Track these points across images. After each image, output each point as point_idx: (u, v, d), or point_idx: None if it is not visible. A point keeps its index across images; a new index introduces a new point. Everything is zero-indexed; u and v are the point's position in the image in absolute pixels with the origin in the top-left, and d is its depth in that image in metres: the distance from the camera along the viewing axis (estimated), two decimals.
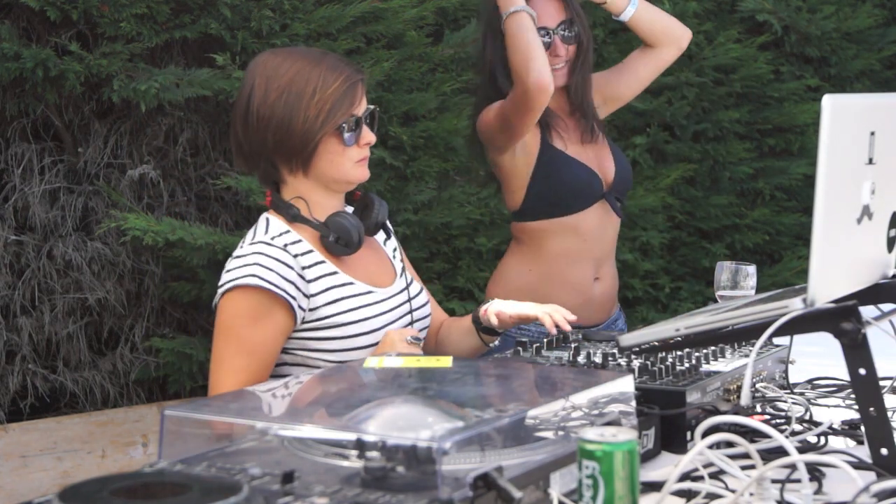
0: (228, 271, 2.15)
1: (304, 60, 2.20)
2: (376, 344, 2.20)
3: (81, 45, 3.61)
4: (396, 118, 4.10)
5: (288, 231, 2.21)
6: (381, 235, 2.37)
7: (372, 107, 2.26)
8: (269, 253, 2.14)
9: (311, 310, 2.15)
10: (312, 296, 2.15)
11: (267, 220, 2.24)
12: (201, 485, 1.35)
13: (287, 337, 2.16)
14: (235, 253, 2.19)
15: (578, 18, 2.92)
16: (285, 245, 2.17)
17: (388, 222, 2.36)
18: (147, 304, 3.84)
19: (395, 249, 2.41)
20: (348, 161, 2.22)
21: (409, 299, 2.31)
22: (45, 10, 3.52)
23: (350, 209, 2.33)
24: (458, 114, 4.17)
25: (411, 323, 2.29)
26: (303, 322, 2.15)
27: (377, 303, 2.23)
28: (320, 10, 3.92)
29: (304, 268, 2.16)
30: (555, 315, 2.21)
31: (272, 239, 2.18)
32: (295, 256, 2.16)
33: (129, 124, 3.82)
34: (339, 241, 2.21)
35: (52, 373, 3.77)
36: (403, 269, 2.38)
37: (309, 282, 2.16)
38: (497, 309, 2.27)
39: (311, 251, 2.20)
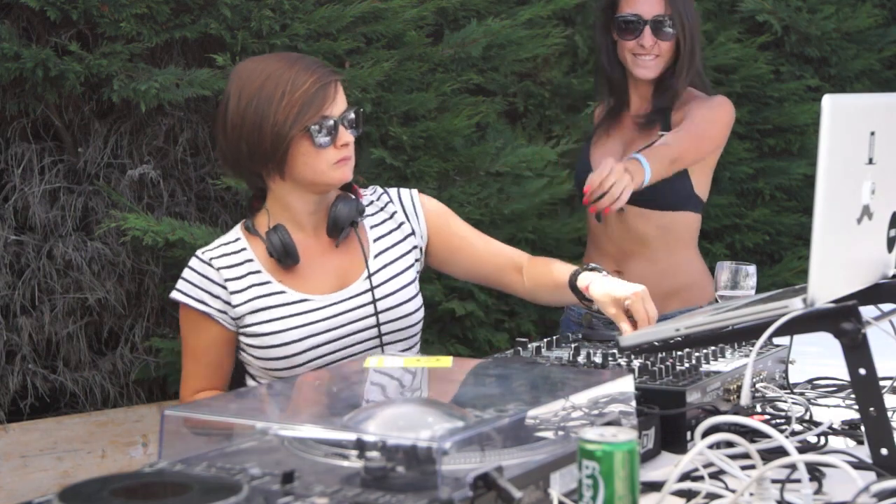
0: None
1: (276, 65, 2.21)
2: (320, 353, 2.23)
3: (81, 45, 3.60)
4: (396, 118, 4.10)
5: (238, 239, 2.30)
6: (377, 230, 2.36)
7: (353, 108, 2.25)
8: (195, 267, 2.27)
9: (236, 318, 2.24)
10: (236, 305, 2.24)
11: (238, 227, 2.35)
12: (201, 485, 1.35)
13: (233, 343, 2.27)
14: (194, 257, 2.31)
15: (680, 19, 2.94)
16: (211, 259, 2.26)
17: (362, 211, 2.32)
18: (147, 304, 3.84)
19: (378, 241, 2.38)
20: (323, 163, 2.21)
21: (374, 301, 2.28)
22: (45, 10, 3.52)
23: None
24: (458, 114, 4.17)
25: (378, 325, 2.27)
26: (237, 330, 2.25)
27: (311, 311, 2.24)
28: (320, 10, 3.92)
29: (228, 280, 2.25)
30: (639, 310, 2.12)
31: (212, 249, 2.28)
32: (219, 269, 2.25)
33: (129, 124, 3.82)
34: (272, 256, 2.25)
35: (52, 373, 3.77)
36: (383, 267, 2.34)
37: (234, 292, 2.24)
38: (586, 283, 2.26)
39: (251, 260, 2.28)
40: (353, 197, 2.32)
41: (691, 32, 2.98)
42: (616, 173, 2.60)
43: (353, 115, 2.25)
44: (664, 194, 2.98)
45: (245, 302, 2.24)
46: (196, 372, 2.27)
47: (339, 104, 2.23)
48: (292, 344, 2.22)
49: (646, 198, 2.92)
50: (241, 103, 2.19)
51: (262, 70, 2.21)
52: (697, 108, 3.01)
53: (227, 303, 2.24)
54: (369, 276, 2.30)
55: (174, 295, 2.27)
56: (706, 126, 3.00)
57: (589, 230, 3.18)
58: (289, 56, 2.27)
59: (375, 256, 2.35)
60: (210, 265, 2.25)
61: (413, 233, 2.41)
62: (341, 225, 2.28)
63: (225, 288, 2.24)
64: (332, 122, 2.20)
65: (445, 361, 1.84)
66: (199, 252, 2.29)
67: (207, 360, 2.27)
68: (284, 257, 2.24)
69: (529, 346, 2.20)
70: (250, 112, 2.18)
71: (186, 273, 2.27)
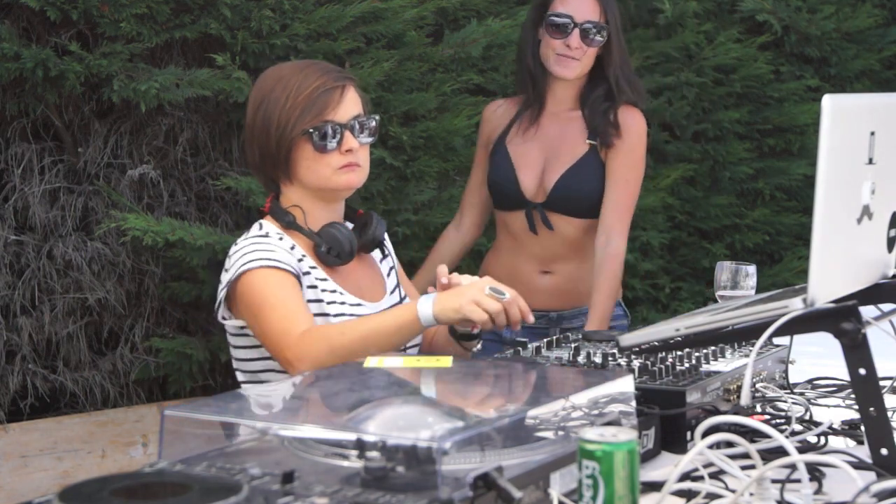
0: (233, 264, 2.18)
1: (290, 70, 2.26)
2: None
3: (81, 45, 3.60)
4: (396, 118, 4.10)
5: (282, 237, 2.24)
6: (377, 254, 2.40)
7: (370, 115, 2.26)
8: (268, 243, 2.20)
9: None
10: (303, 286, 2.20)
11: (261, 224, 2.28)
12: (201, 485, 1.35)
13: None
14: (233, 250, 2.23)
15: (612, 29, 2.97)
16: (275, 237, 2.23)
17: (386, 241, 2.38)
18: (147, 304, 3.84)
19: (391, 268, 2.42)
20: (327, 168, 2.22)
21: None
22: (45, 10, 3.52)
23: (350, 225, 2.35)
24: (458, 114, 4.17)
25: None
26: None
27: (364, 316, 2.22)
28: (320, 10, 3.92)
29: (298, 260, 2.22)
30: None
31: (265, 236, 2.23)
32: (291, 248, 2.22)
33: (129, 124, 3.82)
34: (330, 252, 2.23)
35: (52, 373, 3.77)
36: (396, 287, 2.39)
37: (304, 273, 2.21)
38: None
39: (304, 257, 2.24)
40: (378, 217, 2.36)
41: (618, 40, 3.00)
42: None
43: (365, 122, 2.25)
44: (589, 205, 3.00)
45: (309, 287, 2.20)
46: (294, 315, 2.09)
47: (346, 109, 2.23)
48: None
49: (570, 207, 3.00)
50: (255, 106, 2.24)
51: (276, 74, 2.26)
52: (621, 180, 3.00)
53: (298, 275, 2.18)
54: (395, 291, 2.36)
55: (257, 264, 2.12)
56: (635, 193, 3.04)
57: (507, 235, 3.11)
58: (304, 61, 2.32)
59: (388, 275, 2.41)
60: (281, 245, 2.20)
61: (392, 264, 2.45)
62: (378, 242, 2.33)
63: (300, 261, 2.20)
64: (334, 127, 2.20)
65: (445, 361, 1.84)
66: (251, 237, 2.21)
67: (297, 302, 2.13)
68: (346, 255, 2.24)
69: (529, 346, 2.20)
70: (260, 116, 2.23)
71: (258, 246, 2.16)
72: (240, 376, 2.30)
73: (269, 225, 2.27)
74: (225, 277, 2.20)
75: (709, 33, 4.89)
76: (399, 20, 4.07)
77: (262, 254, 2.17)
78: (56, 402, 3.83)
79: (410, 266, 4.24)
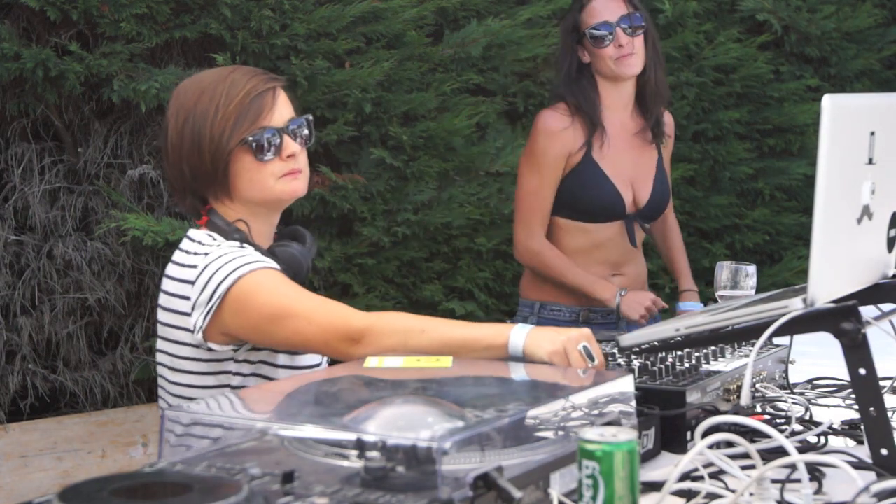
0: (211, 277, 1.97)
1: (211, 80, 2.07)
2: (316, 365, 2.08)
3: (81, 45, 3.61)
4: (396, 118, 4.10)
5: (244, 247, 2.06)
6: None
7: (303, 116, 2.11)
8: (244, 248, 2.03)
9: None
10: None
11: (212, 236, 2.07)
12: (201, 485, 1.35)
13: None
14: (212, 256, 2.00)
15: (644, 11, 3.09)
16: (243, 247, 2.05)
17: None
18: (147, 304, 3.84)
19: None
20: (269, 177, 2.05)
21: None
22: (45, 10, 3.53)
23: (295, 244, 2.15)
24: (458, 114, 4.17)
25: None
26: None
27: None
28: (320, 10, 3.92)
29: None
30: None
31: (239, 245, 2.04)
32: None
33: (129, 124, 3.82)
34: (286, 273, 2.04)
35: (52, 373, 3.77)
36: None
37: None
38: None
39: None
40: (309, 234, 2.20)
41: (648, 20, 3.10)
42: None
43: (301, 124, 2.10)
44: (662, 210, 3.21)
45: None
46: (332, 302, 1.98)
47: (280, 112, 2.07)
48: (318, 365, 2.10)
49: (657, 214, 3.17)
50: (178, 123, 2.05)
51: (197, 86, 2.07)
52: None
53: None
54: None
55: (257, 265, 1.96)
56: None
57: (584, 243, 3.13)
58: (225, 68, 2.13)
59: None
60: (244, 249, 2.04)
61: None
62: (312, 259, 2.17)
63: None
64: (272, 133, 2.05)
65: (445, 361, 1.83)
66: (215, 246, 2.03)
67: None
68: (305, 276, 2.09)
69: None
70: (188, 132, 2.04)
71: (233, 256, 1.99)
72: (173, 401, 2.12)
73: (219, 238, 2.06)
74: (205, 293, 1.97)
75: (709, 33, 4.89)
76: (399, 20, 4.08)
77: (248, 256, 2.00)
78: (56, 402, 3.83)
79: (411, 266, 4.24)
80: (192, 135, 2.04)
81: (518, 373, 1.86)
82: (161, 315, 2.09)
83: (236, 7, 3.76)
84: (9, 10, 3.62)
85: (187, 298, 2.01)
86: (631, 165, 3.12)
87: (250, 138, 2.03)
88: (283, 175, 2.07)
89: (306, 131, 2.11)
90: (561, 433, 1.56)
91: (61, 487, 1.33)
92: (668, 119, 3.24)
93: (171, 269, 2.09)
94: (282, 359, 2.06)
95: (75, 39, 3.62)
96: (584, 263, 3.11)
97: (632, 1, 3.07)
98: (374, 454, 1.40)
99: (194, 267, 2.01)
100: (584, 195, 3.08)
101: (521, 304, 3.24)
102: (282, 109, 2.08)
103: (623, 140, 3.12)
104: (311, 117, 2.13)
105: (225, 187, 2.06)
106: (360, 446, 1.41)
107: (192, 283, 2.00)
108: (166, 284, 2.08)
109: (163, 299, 2.09)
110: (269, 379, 2.05)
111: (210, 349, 2.02)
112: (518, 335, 1.88)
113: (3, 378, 3.67)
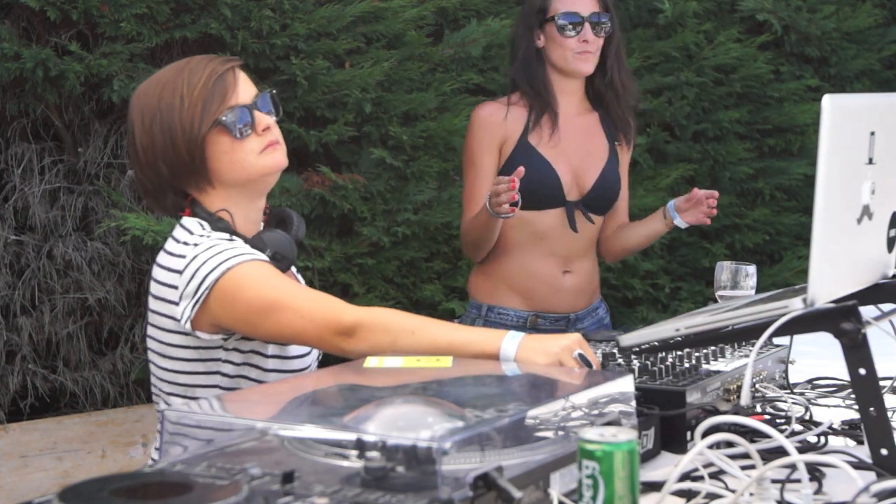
0: (199, 268, 1.97)
1: (168, 74, 2.07)
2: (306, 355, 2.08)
3: (81, 45, 3.61)
4: (396, 118, 4.10)
5: (233, 238, 2.05)
6: None
7: (266, 91, 2.10)
8: (233, 241, 2.03)
9: None
10: None
11: (201, 224, 2.06)
12: (201, 485, 1.35)
13: None
14: (202, 247, 2.00)
15: (614, 14, 3.05)
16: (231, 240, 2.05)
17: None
18: (147, 304, 3.84)
19: (297, 270, 2.29)
20: (249, 154, 2.05)
21: None
22: (45, 10, 3.53)
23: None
24: (458, 114, 4.17)
25: None
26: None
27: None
28: (320, 10, 3.92)
29: None
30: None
31: (225, 237, 2.04)
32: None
33: None
34: (275, 257, 2.05)
35: (52, 373, 3.77)
36: None
37: None
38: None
39: None
40: (297, 215, 2.19)
41: (616, 21, 3.06)
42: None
43: (265, 98, 2.09)
44: (613, 204, 3.12)
45: None
46: (324, 295, 1.98)
47: (245, 90, 2.07)
48: (311, 353, 2.10)
49: (601, 205, 3.07)
50: (145, 124, 2.04)
51: (156, 84, 2.06)
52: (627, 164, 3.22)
53: None
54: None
55: (245, 258, 1.96)
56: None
57: (527, 235, 3.05)
58: (179, 62, 2.10)
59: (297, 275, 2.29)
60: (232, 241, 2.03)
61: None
62: (301, 243, 2.16)
63: None
64: (241, 109, 2.04)
65: (445, 361, 1.83)
66: (204, 237, 2.02)
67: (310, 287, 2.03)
68: (292, 260, 2.09)
69: None
70: (157, 128, 2.03)
71: (221, 249, 1.98)
72: (166, 388, 2.09)
73: (207, 227, 2.06)
74: (192, 284, 1.97)
75: (709, 33, 4.89)
76: (399, 20, 4.08)
77: (237, 248, 1.99)
78: (56, 402, 3.83)
79: (411, 266, 4.24)
80: (162, 131, 2.03)
81: (518, 373, 1.86)
82: (151, 303, 2.08)
83: (236, 7, 3.76)
84: (9, 10, 3.62)
85: (175, 287, 2.01)
86: (574, 152, 3.04)
87: (222, 118, 2.02)
88: (263, 149, 2.06)
89: (274, 103, 2.10)
90: (561, 433, 1.56)
91: (61, 487, 1.33)
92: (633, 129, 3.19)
93: (161, 258, 2.09)
94: (271, 349, 2.05)
95: (75, 39, 3.62)
96: (531, 258, 3.04)
97: (605, 2, 3.03)
98: (374, 454, 1.40)
99: (183, 257, 2.01)
100: (530, 179, 2.91)
101: (470, 304, 3.15)
102: (245, 87, 2.07)
103: (567, 128, 3.05)
104: (273, 91, 2.12)
105: (205, 175, 2.05)
106: (360, 446, 1.41)
107: (180, 272, 2.00)
108: (156, 273, 2.08)
109: (153, 287, 2.09)
110: (260, 368, 2.05)
111: (198, 338, 2.01)
112: (510, 344, 1.86)
113: (3, 378, 3.67)
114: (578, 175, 3.05)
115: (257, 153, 2.05)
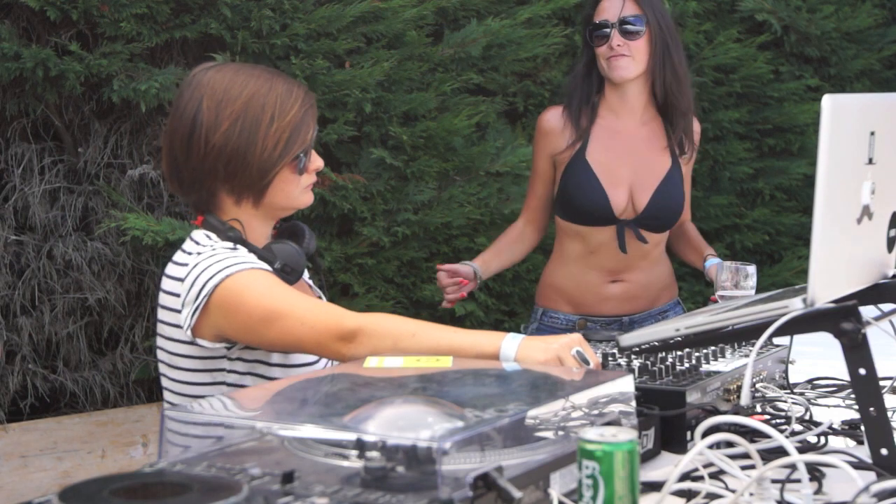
0: (199, 275, 1.97)
1: (256, 81, 2.05)
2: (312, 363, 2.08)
3: (81, 45, 3.61)
4: (396, 118, 4.10)
5: (237, 248, 2.06)
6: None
7: (317, 129, 2.13)
8: (236, 251, 2.04)
9: None
10: None
11: (208, 236, 2.07)
12: (201, 485, 1.35)
13: None
14: (203, 255, 2.01)
15: (652, 16, 2.97)
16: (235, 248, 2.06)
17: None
18: (147, 304, 3.85)
19: (311, 281, 2.31)
20: (298, 188, 2.10)
21: None
22: (45, 10, 3.53)
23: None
24: (458, 114, 4.17)
25: None
26: None
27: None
28: (320, 9, 3.92)
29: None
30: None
31: (233, 247, 2.05)
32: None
33: (129, 124, 3.82)
34: (284, 269, 2.07)
35: (52, 373, 3.77)
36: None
37: None
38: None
39: None
40: (308, 228, 2.22)
41: (663, 29, 2.98)
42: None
43: (317, 138, 2.14)
44: (675, 220, 3.08)
45: None
46: (322, 302, 2.01)
47: (314, 128, 2.11)
48: (318, 362, 2.10)
49: (659, 224, 3.03)
50: (221, 122, 2.01)
51: (242, 86, 2.04)
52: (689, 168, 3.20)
53: None
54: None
55: (247, 266, 1.97)
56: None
57: (579, 246, 3.06)
58: (260, 71, 2.09)
59: (312, 287, 2.30)
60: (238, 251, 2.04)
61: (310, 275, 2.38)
62: (311, 256, 2.19)
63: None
64: (309, 148, 2.10)
65: (445, 361, 1.83)
66: (208, 247, 2.03)
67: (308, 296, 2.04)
68: (300, 272, 2.10)
69: None
70: (234, 134, 2.01)
71: (223, 256, 1.99)
72: (175, 399, 2.10)
73: (214, 238, 2.07)
74: (193, 291, 1.97)
75: (709, 33, 4.89)
76: (399, 20, 4.07)
77: (239, 258, 2.00)
78: (56, 402, 3.83)
79: (411, 266, 4.24)
80: (239, 139, 2.02)
81: (518, 373, 1.86)
82: (159, 313, 2.09)
83: (236, 7, 3.76)
84: (9, 10, 3.62)
85: (178, 296, 2.02)
86: (630, 170, 3.01)
87: (302, 155, 2.07)
88: (307, 186, 2.12)
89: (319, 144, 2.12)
90: (561, 433, 1.56)
91: (61, 487, 1.33)
92: (695, 127, 3.15)
93: (169, 268, 2.10)
94: (276, 357, 2.05)
95: (75, 39, 3.62)
96: (580, 269, 3.05)
97: (642, 5, 2.97)
98: (374, 454, 1.40)
99: (186, 265, 2.02)
100: (573, 195, 3.00)
101: (533, 310, 3.22)
102: (314, 124, 2.12)
103: (624, 143, 3.02)
104: (318, 130, 2.16)
105: (260, 193, 2.06)
106: (360, 446, 1.41)
107: (182, 280, 2.01)
108: (164, 283, 2.09)
109: (161, 297, 2.10)
110: (265, 378, 2.05)
111: (202, 346, 2.02)
112: (510, 344, 1.87)
113: (3, 378, 3.67)
114: (634, 193, 3.00)
115: (303, 189, 2.11)
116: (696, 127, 3.17)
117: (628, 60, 2.96)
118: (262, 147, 2.02)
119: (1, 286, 3.66)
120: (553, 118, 3.07)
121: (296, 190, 2.10)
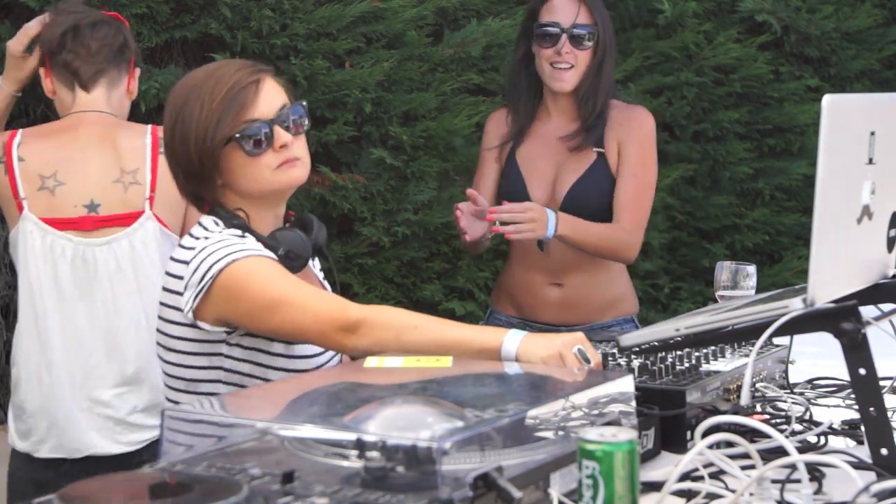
0: (204, 260, 1.97)
1: (199, 77, 2.05)
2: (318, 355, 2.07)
3: None
4: (396, 118, 4.10)
5: (244, 236, 2.06)
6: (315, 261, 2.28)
7: (296, 103, 2.06)
8: (243, 239, 2.03)
9: None
10: None
11: (216, 221, 2.07)
12: (201, 485, 1.35)
13: None
14: (211, 241, 2.00)
15: (601, 26, 2.92)
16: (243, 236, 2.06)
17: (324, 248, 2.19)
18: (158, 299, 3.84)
19: (324, 278, 2.30)
20: (264, 170, 2.02)
21: None
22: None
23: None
24: (458, 114, 4.17)
25: None
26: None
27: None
28: (320, 10, 3.92)
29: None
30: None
31: (238, 234, 2.04)
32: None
33: None
34: (288, 255, 2.05)
35: None
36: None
37: None
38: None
39: None
40: (318, 220, 2.19)
41: (606, 41, 2.93)
42: (528, 216, 2.74)
43: (290, 111, 2.04)
44: (599, 214, 2.95)
45: None
46: (325, 293, 2.02)
47: (267, 102, 2.03)
48: (320, 356, 2.09)
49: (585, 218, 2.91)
50: (170, 125, 2.04)
51: (187, 84, 2.05)
52: (634, 156, 3.01)
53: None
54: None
55: (249, 253, 1.96)
56: (646, 189, 3.03)
57: (518, 247, 3.05)
58: (214, 64, 2.10)
59: (324, 280, 2.30)
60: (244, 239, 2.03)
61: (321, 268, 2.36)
62: (319, 247, 2.17)
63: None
64: (259, 125, 2.01)
65: (445, 361, 1.83)
66: (215, 233, 2.02)
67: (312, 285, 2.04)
68: (306, 259, 2.09)
69: None
70: (177, 133, 2.02)
71: (228, 243, 1.98)
72: (171, 382, 2.09)
73: (222, 225, 2.06)
74: (197, 275, 1.96)
75: (708, 33, 4.89)
76: (399, 20, 4.08)
77: (246, 245, 2.00)
78: None
79: (411, 266, 4.25)
80: (180, 136, 2.02)
81: (518, 373, 1.86)
82: (161, 296, 2.09)
83: (236, 7, 3.76)
84: (9, 10, 3.61)
85: (181, 278, 2.02)
86: (554, 166, 2.98)
87: (237, 134, 2.00)
88: (279, 166, 2.04)
89: (297, 117, 2.06)
90: (561, 433, 1.56)
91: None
92: (645, 118, 3.05)
93: (176, 252, 2.10)
94: (278, 347, 2.04)
95: None
96: (521, 269, 3.04)
97: (594, 13, 2.90)
98: (374, 454, 1.40)
99: (193, 249, 2.02)
100: (503, 192, 3.00)
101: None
102: (269, 99, 2.04)
103: (552, 140, 2.99)
104: (304, 103, 2.09)
105: (216, 185, 2.05)
106: (360, 446, 1.41)
107: (188, 263, 2.01)
108: (170, 266, 2.09)
109: (164, 280, 2.10)
110: (264, 366, 2.04)
111: (201, 329, 2.02)
112: (512, 340, 1.87)
113: (3, 378, 3.67)
114: (556, 188, 2.98)
115: (272, 169, 2.03)
116: (648, 122, 3.05)
117: (572, 73, 2.91)
118: (196, 137, 2.00)
119: (1, 286, 3.65)
120: (495, 115, 3.12)
121: (262, 171, 2.03)
